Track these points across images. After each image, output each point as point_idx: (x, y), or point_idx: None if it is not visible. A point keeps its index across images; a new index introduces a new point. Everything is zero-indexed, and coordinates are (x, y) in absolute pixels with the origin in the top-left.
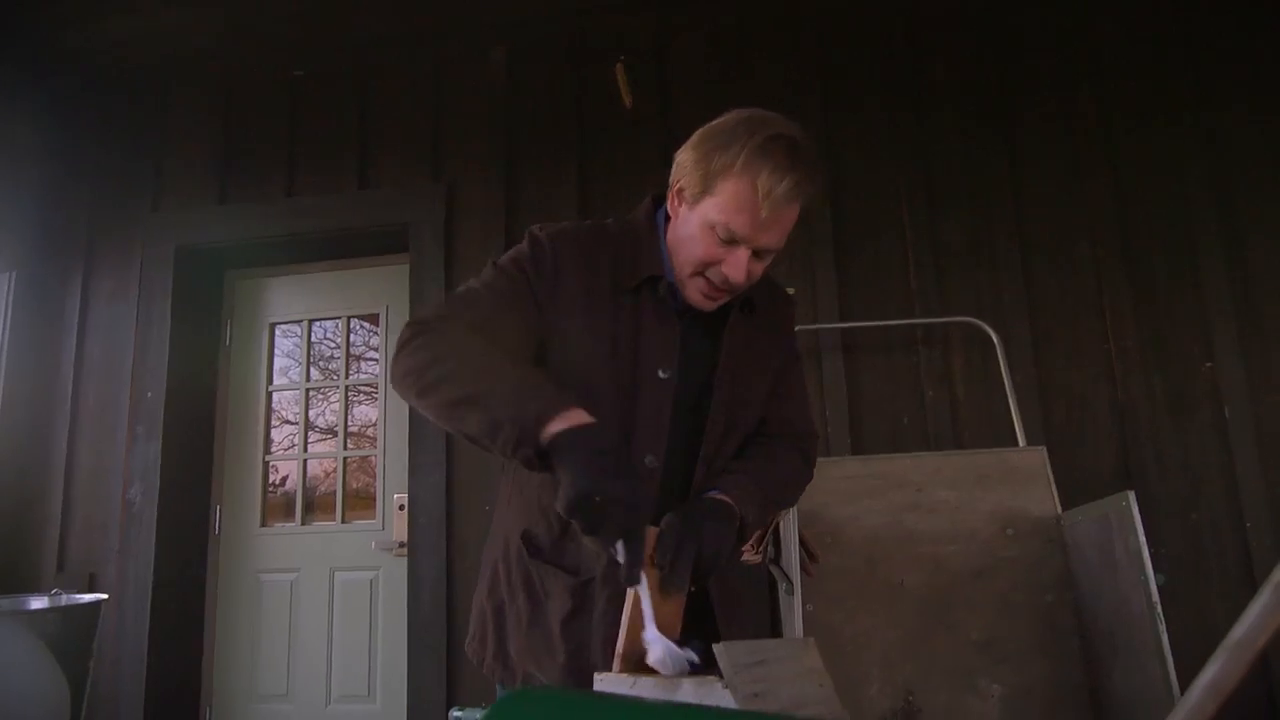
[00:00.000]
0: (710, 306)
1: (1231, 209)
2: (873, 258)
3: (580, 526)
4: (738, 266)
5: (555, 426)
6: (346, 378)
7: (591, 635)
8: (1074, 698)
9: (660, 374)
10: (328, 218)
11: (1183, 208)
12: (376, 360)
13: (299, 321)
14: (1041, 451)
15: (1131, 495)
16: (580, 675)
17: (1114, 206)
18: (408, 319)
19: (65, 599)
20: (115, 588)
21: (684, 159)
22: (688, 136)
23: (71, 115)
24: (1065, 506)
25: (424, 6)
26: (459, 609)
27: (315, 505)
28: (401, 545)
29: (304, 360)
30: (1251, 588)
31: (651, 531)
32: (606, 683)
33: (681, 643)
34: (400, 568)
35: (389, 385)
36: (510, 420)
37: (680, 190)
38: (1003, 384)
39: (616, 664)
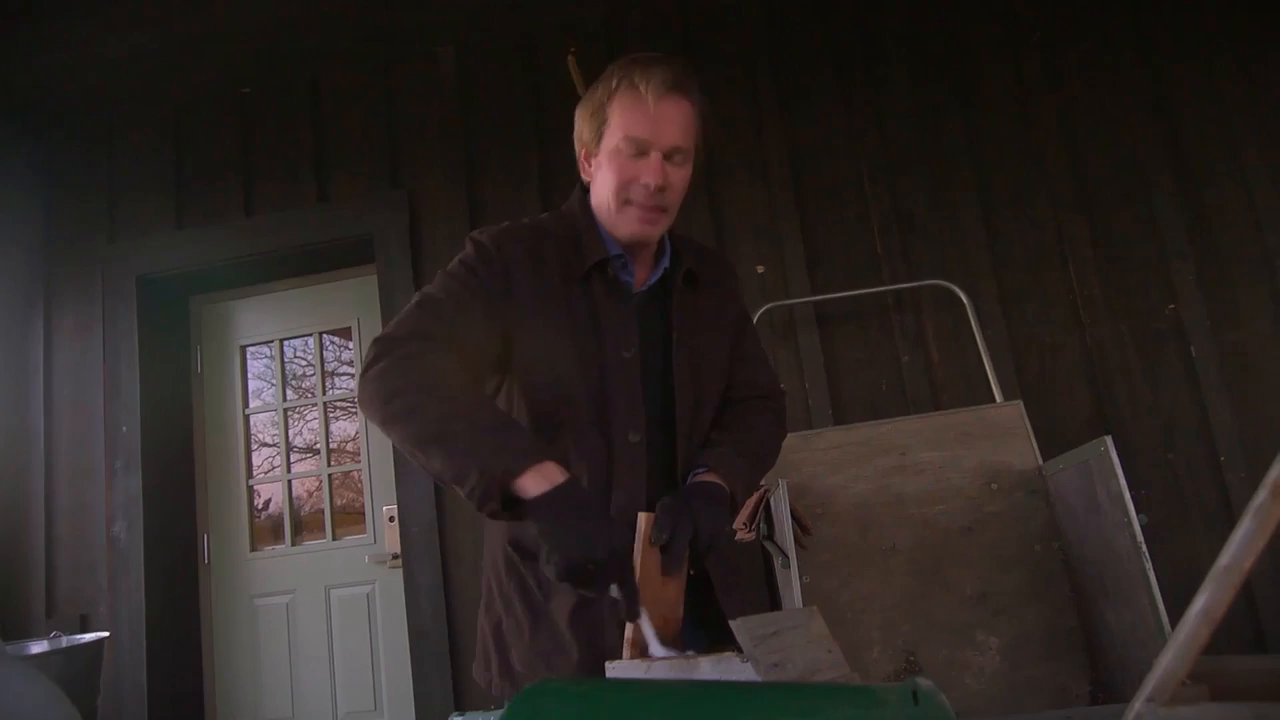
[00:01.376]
0: (651, 233)
1: (1181, 153)
2: (838, 229)
3: (574, 586)
4: (654, 170)
5: (529, 485)
6: (324, 394)
7: (604, 621)
8: (1069, 641)
9: (624, 354)
10: (289, 234)
11: (1135, 156)
12: (351, 374)
13: (270, 342)
14: (1019, 405)
15: (1109, 440)
16: (596, 666)
17: (1069, 159)
18: (377, 334)
19: (66, 640)
20: (109, 626)
21: (577, 124)
22: None
23: (17, 150)
24: (1045, 457)
25: (367, 12)
26: (458, 614)
27: (302, 525)
28: (395, 557)
29: (279, 380)
30: (1230, 521)
31: (648, 516)
32: (620, 669)
33: (684, 624)
34: (395, 579)
35: None
36: (478, 471)
37: (585, 154)
38: (974, 342)
39: (626, 650)
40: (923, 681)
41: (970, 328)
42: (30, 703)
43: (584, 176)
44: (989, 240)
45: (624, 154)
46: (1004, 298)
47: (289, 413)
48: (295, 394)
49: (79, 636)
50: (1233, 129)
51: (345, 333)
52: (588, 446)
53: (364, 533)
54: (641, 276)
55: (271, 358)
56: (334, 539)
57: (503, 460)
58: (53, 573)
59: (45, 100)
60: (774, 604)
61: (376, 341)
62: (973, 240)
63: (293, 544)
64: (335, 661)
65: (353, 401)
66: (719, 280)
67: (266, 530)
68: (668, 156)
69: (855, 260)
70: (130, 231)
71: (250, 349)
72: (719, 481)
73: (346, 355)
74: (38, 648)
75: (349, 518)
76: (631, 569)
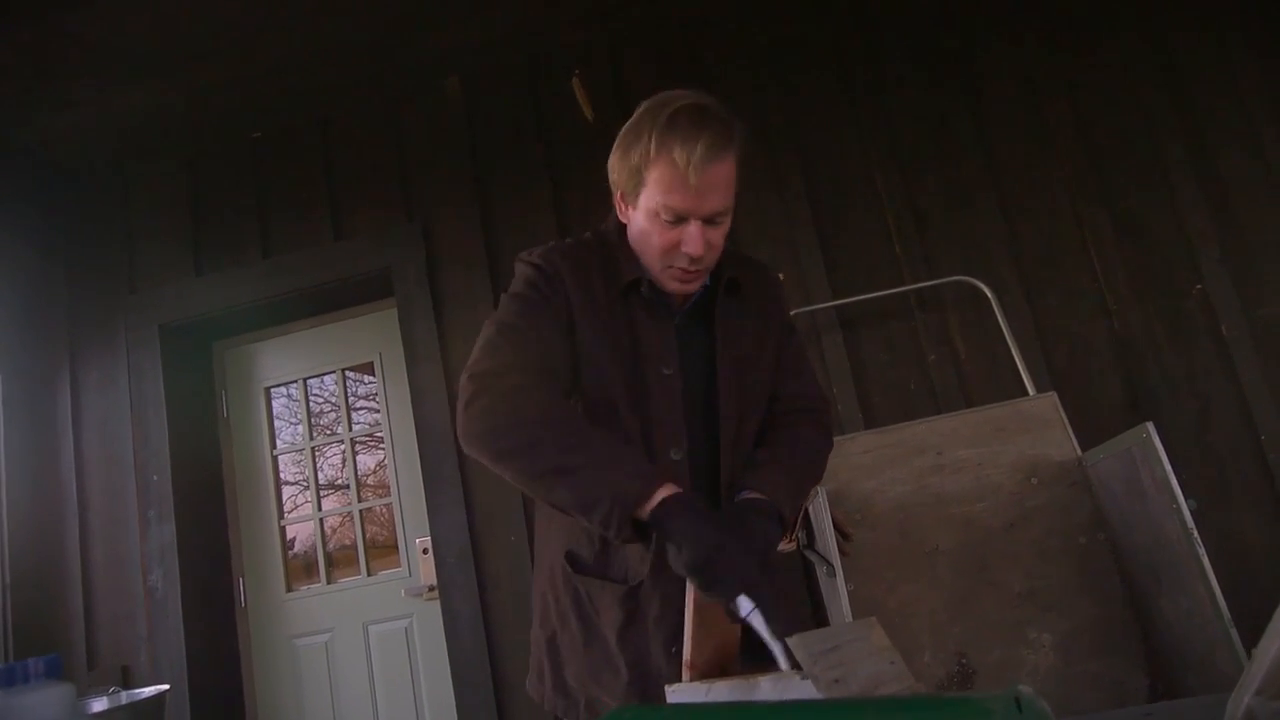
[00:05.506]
0: (690, 288)
1: (1197, 131)
2: (855, 232)
3: (699, 584)
4: (694, 241)
5: (656, 500)
6: (350, 430)
7: (649, 641)
8: (1124, 632)
9: (664, 370)
10: (307, 274)
11: (1150, 136)
12: (377, 410)
13: (294, 382)
14: (1053, 397)
15: (1150, 426)
16: (645, 685)
17: (1083, 145)
18: (467, 373)
19: (126, 696)
20: (150, 676)
21: (612, 165)
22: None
23: (34, 207)
24: (1083, 447)
25: (373, 48)
26: (499, 642)
27: (333, 561)
28: (431, 588)
29: (305, 419)
30: (1275, 499)
31: None
32: (680, 693)
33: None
34: (433, 611)
35: (393, 432)
36: (611, 499)
37: (621, 195)
38: (1001, 337)
39: (686, 673)
40: (1023, 689)
41: (995, 322)
42: None
43: (620, 218)
44: (1008, 233)
45: (663, 220)
46: (1028, 289)
47: (313, 450)
48: (316, 431)
49: (139, 691)
50: (1248, 104)
51: (368, 368)
52: None
53: (398, 566)
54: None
55: (290, 397)
56: (369, 574)
57: (631, 487)
58: (92, 626)
59: (59, 157)
60: (818, 614)
61: (472, 378)
62: (992, 234)
63: (328, 581)
64: (377, 697)
65: (377, 437)
66: (763, 291)
67: (300, 569)
68: (709, 220)
69: (874, 262)
70: (150, 281)
71: (273, 390)
72: (767, 499)
73: (362, 390)
74: (99, 704)
75: (380, 552)
76: (765, 579)
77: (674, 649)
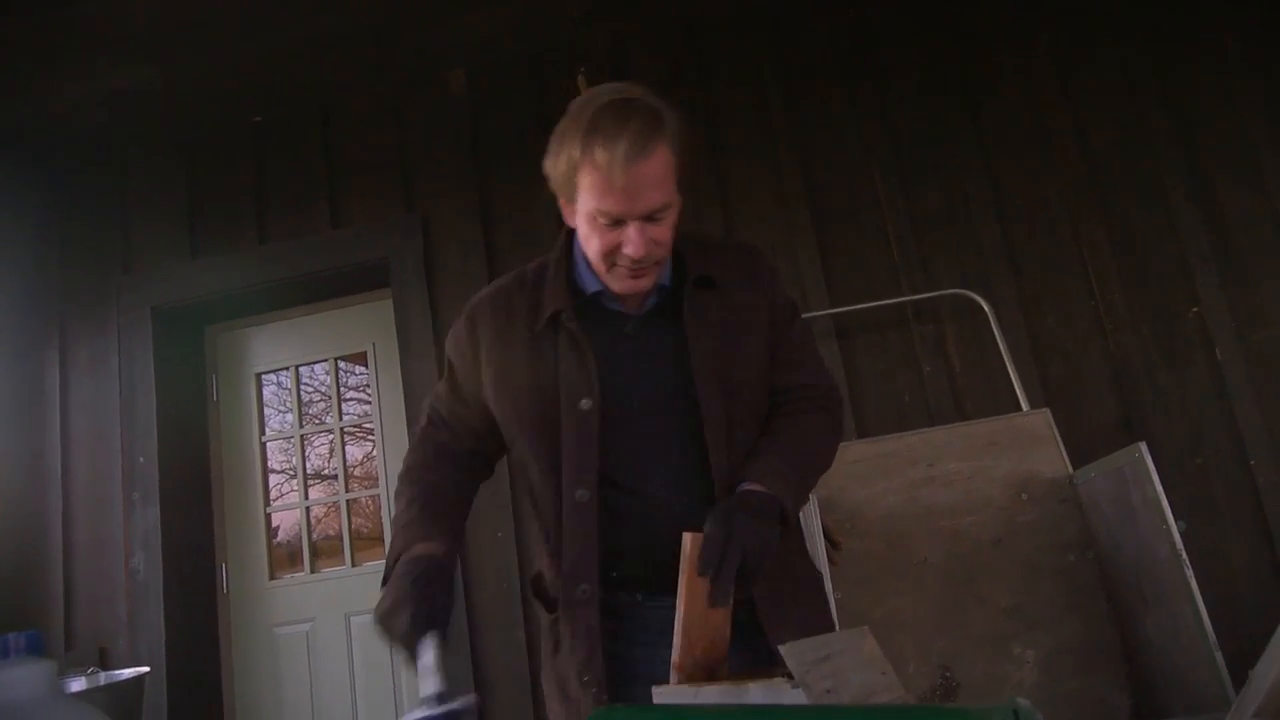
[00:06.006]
0: (641, 285)
1: (1197, 154)
2: (854, 240)
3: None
4: (634, 242)
5: (406, 555)
6: (340, 420)
7: (569, 669)
8: (1108, 652)
9: (582, 405)
10: (304, 261)
11: (1150, 156)
12: (367, 401)
13: (285, 369)
14: (1046, 413)
15: (1143, 446)
16: (569, 712)
17: (1083, 162)
18: (426, 405)
19: (105, 676)
20: (129, 659)
21: (547, 172)
22: None
23: (30, 184)
24: (1074, 465)
25: (378, 39)
26: (481, 638)
27: (318, 551)
28: None
29: (295, 407)
30: (1263, 524)
31: (694, 537)
32: (666, 695)
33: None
34: None
35: (384, 424)
36: (389, 552)
37: (562, 201)
38: (996, 351)
39: (674, 676)
40: (1021, 702)
41: (990, 336)
42: None
43: (565, 217)
44: (1006, 247)
45: (600, 223)
46: (1024, 305)
47: (302, 439)
48: (304, 420)
49: (118, 673)
50: (1248, 128)
51: (360, 358)
52: (544, 504)
53: (382, 558)
54: (636, 300)
55: (280, 385)
56: (353, 566)
57: (400, 543)
58: (71, 607)
59: (59, 135)
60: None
61: (420, 423)
62: (990, 248)
63: (312, 571)
64: (357, 689)
65: (365, 429)
66: (745, 279)
67: (283, 558)
68: (648, 218)
69: (873, 271)
70: (145, 262)
71: (263, 376)
72: (767, 492)
73: (352, 380)
74: (77, 684)
75: (364, 543)
76: (414, 645)
77: (585, 677)
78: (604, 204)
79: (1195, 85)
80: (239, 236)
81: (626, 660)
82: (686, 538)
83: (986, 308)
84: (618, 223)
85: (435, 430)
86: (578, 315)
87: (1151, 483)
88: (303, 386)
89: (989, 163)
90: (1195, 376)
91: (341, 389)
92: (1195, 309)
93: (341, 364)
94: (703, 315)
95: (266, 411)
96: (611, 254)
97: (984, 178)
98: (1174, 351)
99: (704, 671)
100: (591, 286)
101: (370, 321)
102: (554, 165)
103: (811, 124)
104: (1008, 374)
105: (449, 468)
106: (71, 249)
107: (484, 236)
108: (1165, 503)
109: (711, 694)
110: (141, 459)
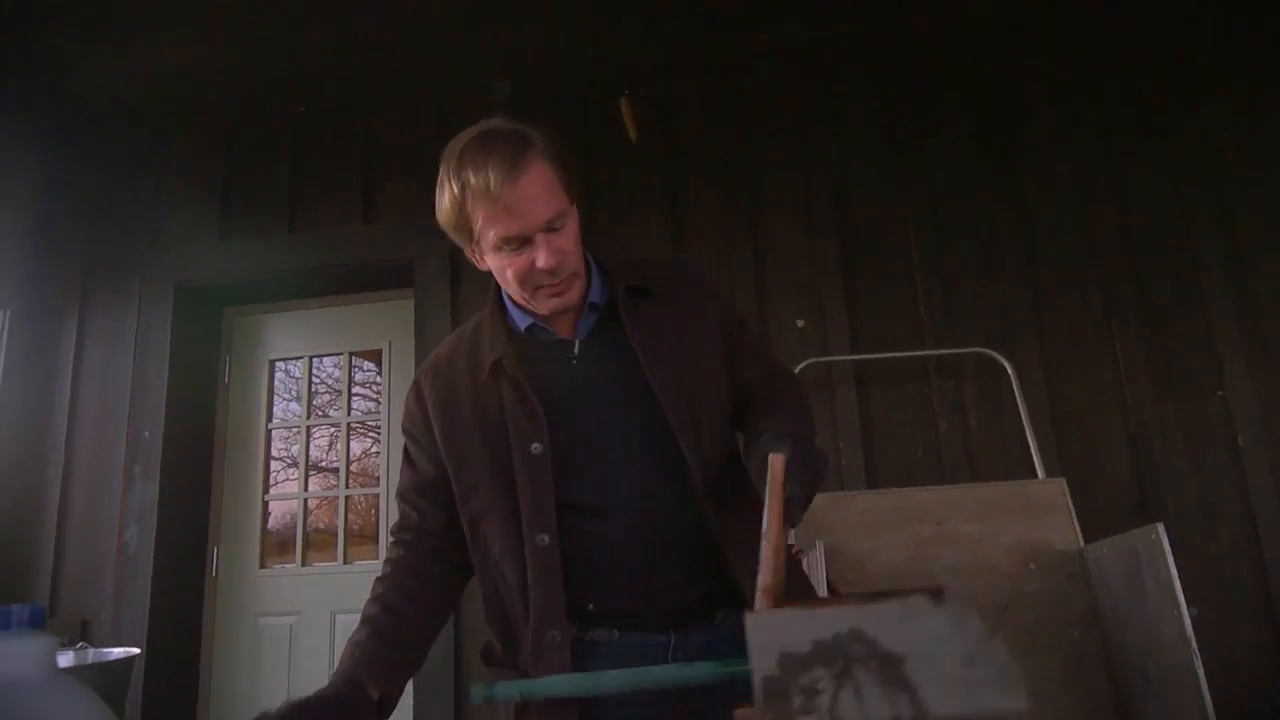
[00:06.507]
0: (567, 299)
1: (1234, 234)
2: (882, 289)
3: None
4: (542, 254)
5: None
6: (349, 415)
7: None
8: None
9: (533, 449)
10: (331, 253)
11: (1187, 233)
12: (374, 398)
13: (299, 358)
14: (1061, 483)
15: (1160, 528)
16: None
17: (1119, 234)
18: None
19: (93, 654)
20: (110, 634)
21: (443, 226)
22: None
23: (68, 151)
24: (1084, 538)
25: (426, 41)
26: (465, 651)
27: (310, 544)
28: None
29: (306, 396)
30: (1273, 619)
31: (778, 458)
32: (759, 621)
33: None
34: None
35: (391, 423)
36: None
37: (468, 249)
38: (1015, 414)
39: (761, 600)
40: None
41: (1010, 398)
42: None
43: (479, 266)
44: (1034, 311)
45: (506, 251)
46: (1047, 370)
47: (308, 429)
48: (311, 411)
49: (107, 651)
50: None
51: (375, 355)
52: (509, 553)
53: (374, 559)
54: (569, 324)
55: (289, 374)
56: (345, 562)
57: (341, 662)
58: (59, 575)
59: (103, 105)
60: None
61: (395, 523)
62: (1019, 310)
63: (303, 564)
64: None
65: (373, 426)
66: (682, 284)
67: (274, 547)
68: (548, 230)
69: (897, 321)
70: (172, 239)
71: (277, 364)
72: (798, 430)
73: (360, 377)
74: (64, 659)
75: (357, 540)
76: None
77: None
78: (500, 228)
79: (1239, 174)
80: (270, 222)
81: (601, 704)
82: (774, 459)
83: (1009, 369)
84: (523, 243)
85: (403, 532)
86: (519, 356)
87: (1167, 566)
88: (313, 378)
89: (1024, 224)
90: (1215, 460)
91: (354, 385)
92: (1220, 393)
93: (353, 359)
94: (645, 322)
95: (274, 399)
96: (528, 277)
97: (1017, 239)
98: (1195, 434)
99: (778, 597)
100: (524, 323)
101: (389, 320)
102: (443, 214)
103: (850, 163)
104: (1023, 438)
105: (414, 583)
106: (101, 218)
107: None
108: (1179, 587)
109: (827, 617)
110: (146, 434)
